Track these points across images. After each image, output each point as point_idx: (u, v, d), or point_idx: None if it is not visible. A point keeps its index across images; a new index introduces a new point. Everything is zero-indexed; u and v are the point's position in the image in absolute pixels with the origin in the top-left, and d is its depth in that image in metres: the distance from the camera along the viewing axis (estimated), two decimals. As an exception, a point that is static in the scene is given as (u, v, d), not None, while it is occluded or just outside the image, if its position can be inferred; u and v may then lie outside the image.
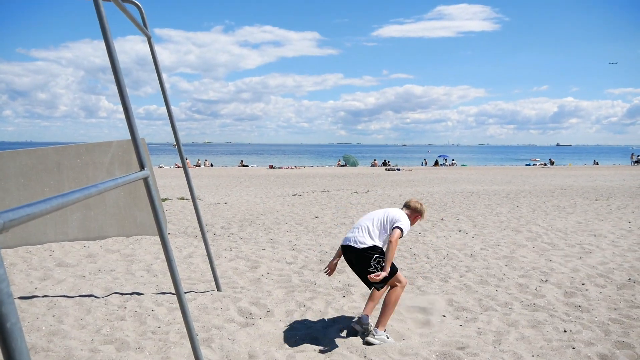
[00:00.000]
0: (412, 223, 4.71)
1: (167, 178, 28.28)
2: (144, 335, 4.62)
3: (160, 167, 45.27)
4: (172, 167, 45.45)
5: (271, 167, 47.00)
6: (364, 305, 4.75)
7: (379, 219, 4.65)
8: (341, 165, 52.16)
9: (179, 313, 5.16)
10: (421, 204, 4.84)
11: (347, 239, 4.64)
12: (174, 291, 5.89)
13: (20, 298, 5.66)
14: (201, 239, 9.11)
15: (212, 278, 6.21)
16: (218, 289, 5.96)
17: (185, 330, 4.65)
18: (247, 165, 51.30)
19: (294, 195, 18.11)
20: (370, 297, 4.65)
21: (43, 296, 5.73)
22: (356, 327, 4.60)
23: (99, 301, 5.54)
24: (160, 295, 5.76)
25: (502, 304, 5.30)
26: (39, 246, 8.07)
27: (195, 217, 11.91)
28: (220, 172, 37.75)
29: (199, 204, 15.25)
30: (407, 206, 4.84)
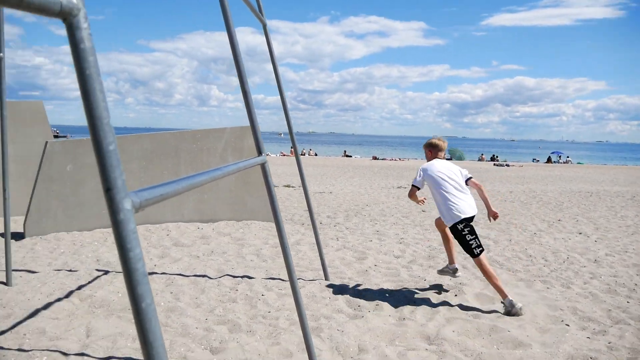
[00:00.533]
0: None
1: (273, 166, 29.01)
2: (254, 319, 4.67)
3: (267, 154, 46.56)
4: (278, 155, 46.61)
5: (375, 158, 46.80)
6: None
7: (459, 178, 5.31)
8: (447, 159, 50.84)
9: (289, 299, 5.18)
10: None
11: (469, 209, 5.12)
12: (283, 277, 5.95)
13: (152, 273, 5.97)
14: (308, 226, 9.18)
15: (320, 267, 6.19)
16: (326, 278, 5.93)
17: (295, 317, 4.66)
18: (350, 156, 51.47)
19: (399, 187, 17.85)
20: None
21: (162, 273, 6.01)
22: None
23: (212, 282, 5.70)
24: (270, 280, 5.82)
25: (635, 318, 4.80)
26: (157, 225, 8.51)
27: (302, 204, 12.14)
28: (324, 162, 38.18)
29: (298, 190, 15.45)
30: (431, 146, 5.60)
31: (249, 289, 5.47)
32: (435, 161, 5.43)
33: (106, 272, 6.00)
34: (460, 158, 51.96)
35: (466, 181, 5.32)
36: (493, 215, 5.19)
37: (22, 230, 8.07)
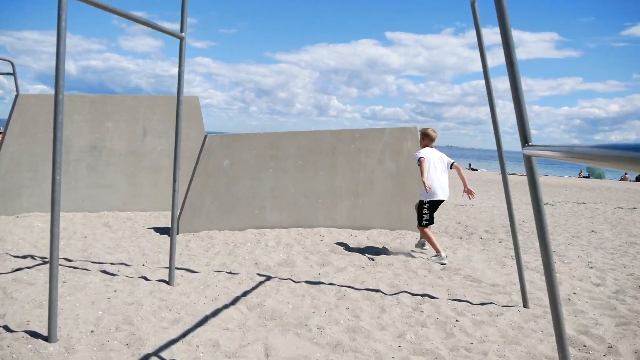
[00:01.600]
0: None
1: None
2: (456, 352, 3.78)
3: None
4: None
5: (504, 173, 44.09)
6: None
7: (444, 163, 6.94)
8: (584, 177, 46.76)
9: (489, 329, 4.23)
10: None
11: (441, 193, 6.85)
12: (470, 299, 5.00)
13: (308, 283, 5.31)
14: (468, 240, 8.15)
15: (510, 289, 5.19)
16: (525, 305, 4.89)
17: (507, 352, 3.72)
18: (476, 169, 49.06)
19: (545, 204, 16.11)
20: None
21: (329, 284, 5.30)
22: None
23: (390, 299, 4.89)
24: (457, 302, 4.90)
25: None
26: (309, 229, 7.91)
27: (452, 216, 11.10)
28: (450, 174, 36.50)
29: (444, 204, 14.35)
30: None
31: (435, 311, 4.58)
32: (427, 149, 6.83)
33: (268, 278, 5.40)
34: (600, 176, 47.57)
35: (451, 166, 6.95)
36: (468, 192, 6.81)
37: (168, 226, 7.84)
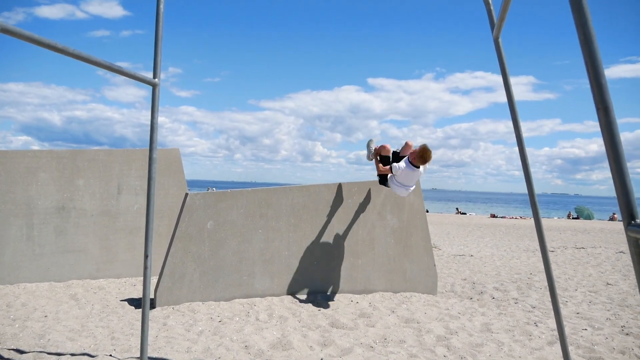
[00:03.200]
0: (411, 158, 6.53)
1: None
2: None
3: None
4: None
5: (493, 216, 43.62)
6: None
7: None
8: (573, 218, 46.38)
9: None
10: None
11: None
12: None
13: (309, 374, 4.41)
14: (479, 301, 7.32)
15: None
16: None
17: None
18: (465, 213, 48.54)
19: (551, 251, 15.36)
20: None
21: (335, 375, 4.42)
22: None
23: (411, 395, 4.01)
24: (492, 396, 4.03)
25: None
26: (304, 296, 7.03)
27: (457, 271, 10.26)
28: (439, 219, 35.80)
29: (437, 253, 13.56)
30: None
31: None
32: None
33: (262, 368, 4.49)
34: (588, 217, 47.20)
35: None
36: None
37: (151, 297, 6.92)
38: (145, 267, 4.06)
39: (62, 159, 7.74)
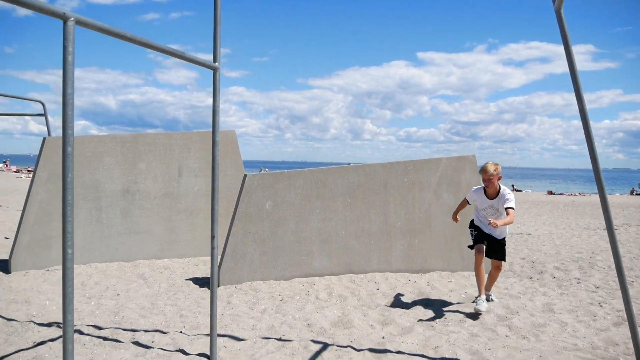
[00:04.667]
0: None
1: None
2: None
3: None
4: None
5: (550, 192, 42.42)
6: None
7: None
8: (637, 194, 44.53)
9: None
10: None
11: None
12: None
13: (372, 351, 4.50)
14: (539, 281, 7.20)
15: (619, 353, 4.25)
16: (645, 379, 3.97)
17: None
18: (520, 190, 47.37)
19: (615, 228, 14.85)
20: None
21: (397, 352, 4.48)
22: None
23: (474, 373, 4.04)
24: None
25: None
26: (362, 276, 7.11)
27: (514, 249, 10.12)
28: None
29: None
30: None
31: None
32: None
33: (325, 346, 4.61)
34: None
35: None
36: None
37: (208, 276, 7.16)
38: (212, 248, 4.21)
39: (125, 143, 8.04)
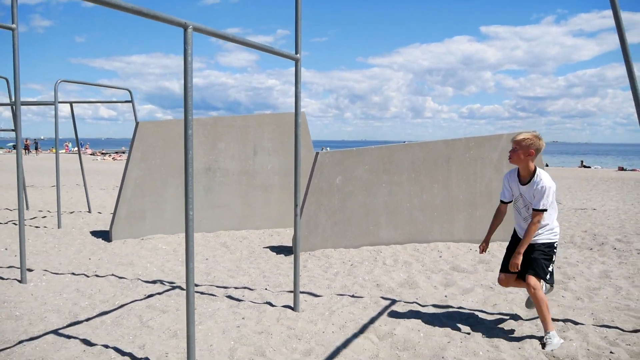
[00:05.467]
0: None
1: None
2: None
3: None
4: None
5: (621, 169, 40.95)
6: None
7: None
8: None
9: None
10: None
11: None
12: (622, 326, 4.50)
13: (435, 306, 5.05)
14: (600, 252, 7.46)
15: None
16: (689, 333, 4.32)
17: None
18: (588, 167, 45.94)
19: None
20: None
21: (458, 308, 5.02)
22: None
23: (528, 325, 4.52)
24: (606, 329, 4.42)
25: None
26: (425, 245, 7.62)
27: (576, 222, 10.29)
28: (561, 173, 34.32)
29: (562, 209, 13.38)
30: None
31: (584, 341, 4.14)
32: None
33: (393, 302, 5.20)
34: None
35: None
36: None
37: (288, 245, 7.89)
38: (296, 215, 4.86)
39: (206, 126, 8.84)
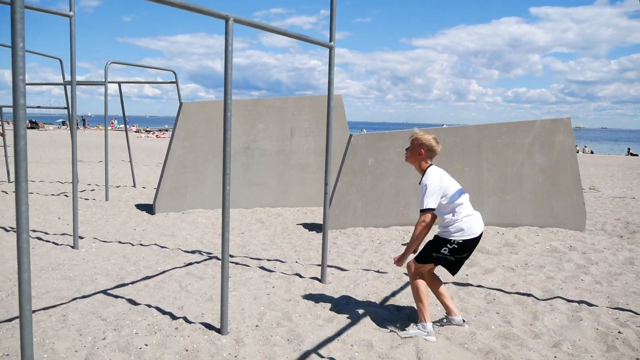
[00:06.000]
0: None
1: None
2: (621, 367, 3.58)
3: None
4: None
5: (671, 158, 39.56)
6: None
7: None
8: None
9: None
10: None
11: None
12: (636, 309, 4.67)
13: (456, 284, 5.31)
14: (631, 240, 7.51)
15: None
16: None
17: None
18: (636, 154, 44.58)
19: None
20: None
21: (478, 286, 5.26)
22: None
23: (543, 305, 4.73)
24: (619, 311, 4.59)
25: None
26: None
27: (610, 210, 10.28)
28: (605, 161, 33.51)
29: (594, 194, 13.27)
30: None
31: (595, 321, 4.35)
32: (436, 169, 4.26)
33: (416, 278, 5.48)
34: None
35: None
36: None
37: (320, 223, 8.22)
38: (325, 193, 5.18)
39: (246, 107, 9.21)
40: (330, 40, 4.98)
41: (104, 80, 10.20)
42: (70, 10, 5.92)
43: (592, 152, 47.60)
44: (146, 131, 58.83)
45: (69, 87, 11.61)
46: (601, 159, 35.69)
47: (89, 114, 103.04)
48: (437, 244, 3.98)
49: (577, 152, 44.08)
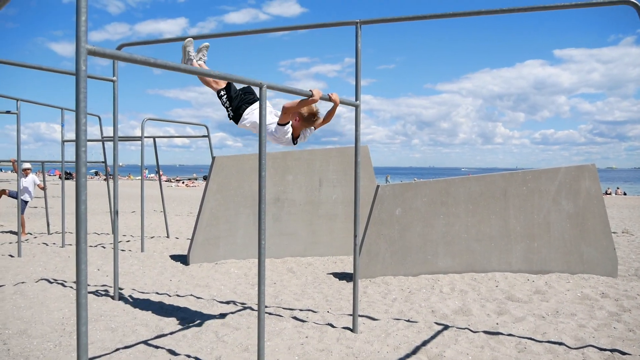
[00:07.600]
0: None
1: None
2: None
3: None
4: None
5: None
6: None
7: None
8: None
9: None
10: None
11: None
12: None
13: (486, 333, 5.37)
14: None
15: None
16: None
17: None
18: (670, 196, 43.56)
19: None
20: None
21: (508, 335, 5.31)
22: None
23: (575, 354, 4.76)
24: (652, 359, 4.60)
25: None
26: (483, 274, 7.88)
27: (637, 255, 10.15)
28: (636, 202, 32.92)
29: (627, 238, 13.09)
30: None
31: (628, 370, 4.37)
32: None
33: (446, 327, 5.56)
34: None
35: None
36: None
37: (350, 272, 8.35)
38: (355, 245, 5.37)
39: (276, 159, 9.54)
40: (356, 100, 5.26)
41: (140, 135, 10.70)
42: (113, 76, 6.37)
43: (624, 194, 46.77)
44: (176, 180, 60.04)
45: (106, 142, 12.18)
46: (634, 201, 35.06)
47: (121, 164, 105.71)
48: None
49: (610, 194, 43.41)
